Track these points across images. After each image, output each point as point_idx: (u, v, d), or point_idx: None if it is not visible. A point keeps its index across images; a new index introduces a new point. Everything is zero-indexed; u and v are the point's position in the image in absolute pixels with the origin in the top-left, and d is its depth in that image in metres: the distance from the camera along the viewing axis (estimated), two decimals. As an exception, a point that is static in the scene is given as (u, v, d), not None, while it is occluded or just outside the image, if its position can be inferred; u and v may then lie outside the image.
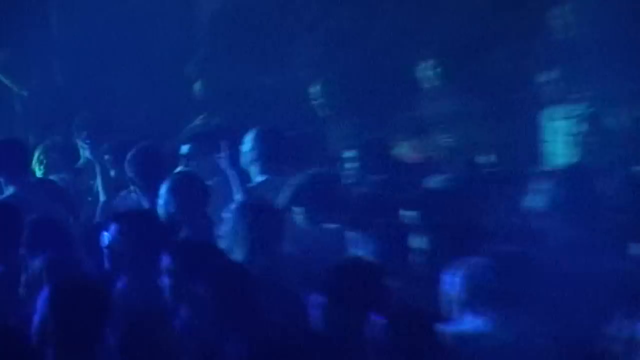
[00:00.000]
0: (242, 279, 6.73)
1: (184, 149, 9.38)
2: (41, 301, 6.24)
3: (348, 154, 9.50)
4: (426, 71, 11.19)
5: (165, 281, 6.91)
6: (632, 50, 10.05)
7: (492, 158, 9.82)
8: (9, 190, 8.94)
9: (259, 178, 9.13)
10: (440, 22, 11.92)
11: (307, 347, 6.22)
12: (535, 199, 8.04)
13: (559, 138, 9.95)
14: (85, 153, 9.87)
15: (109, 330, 6.22)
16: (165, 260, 6.95)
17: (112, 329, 6.24)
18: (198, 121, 10.29)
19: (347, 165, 9.43)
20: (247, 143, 9.16)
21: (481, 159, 9.74)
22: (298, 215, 8.30)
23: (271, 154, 9.15)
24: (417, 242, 7.40)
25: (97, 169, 9.50)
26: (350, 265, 6.85)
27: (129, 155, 8.90)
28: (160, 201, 8.34)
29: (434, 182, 8.83)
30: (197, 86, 11.68)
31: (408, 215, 7.91)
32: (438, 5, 12.02)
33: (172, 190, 8.31)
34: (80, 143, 9.88)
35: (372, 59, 11.72)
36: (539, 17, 11.24)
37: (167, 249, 7.07)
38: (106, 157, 9.56)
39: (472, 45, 11.52)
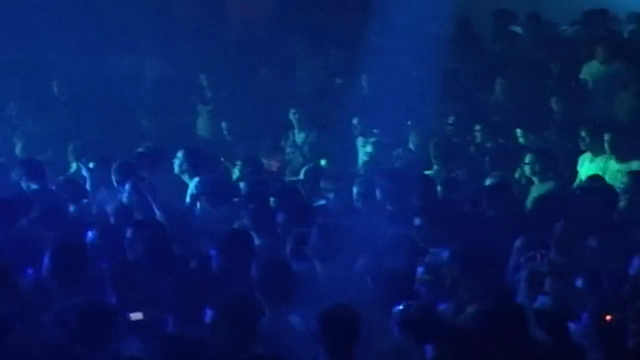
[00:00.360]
0: (167, 243, 6.63)
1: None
2: (46, 256, 6.08)
3: (237, 163, 9.32)
4: (289, 116, 10.97)
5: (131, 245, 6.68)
6: (405, 107, 10.01)
7: (325, 163, 9.77)
8: (33, 187, 8.37)
9: (193, 180, 8.52)
10: (296, 89, 11.89)
11: (209, 282, 6.01)
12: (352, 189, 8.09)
13: (363, 155, 9.83)
14: (73, 166, 9.61)
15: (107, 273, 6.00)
16: (129, 232, 6.79)
17: (109, 273, 6.01)
18: (142, 147, 10.00)
19: (236, 170, 9.22)
20: (178, 159, 8.88)
21: (318, 165, 9.68)
22: (204, 200, 8.10)
23: (194, 164, 8.81)
24: (277, 217, 7.25)
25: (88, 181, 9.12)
26: (231, 232, 6.83)
27: (113, 166, 8.48)
28: (126, 194, 8.11)
29: (287, 180, 8.93)
30: (145, 124, 11.43)
31: (271, 200, 7.79)
32: (293, 81, 12.02)
33: (133, 187, 8.04)
34: (70, 160, 9.58)
35: (257, 109, 11.41)
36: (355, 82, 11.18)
37: (130, 225, 6.90)
38: (90, 164, 9.18)
39: (318, 100, 11.39)
